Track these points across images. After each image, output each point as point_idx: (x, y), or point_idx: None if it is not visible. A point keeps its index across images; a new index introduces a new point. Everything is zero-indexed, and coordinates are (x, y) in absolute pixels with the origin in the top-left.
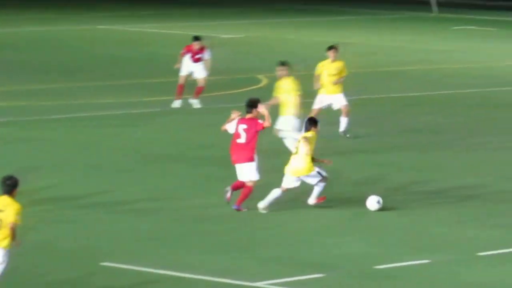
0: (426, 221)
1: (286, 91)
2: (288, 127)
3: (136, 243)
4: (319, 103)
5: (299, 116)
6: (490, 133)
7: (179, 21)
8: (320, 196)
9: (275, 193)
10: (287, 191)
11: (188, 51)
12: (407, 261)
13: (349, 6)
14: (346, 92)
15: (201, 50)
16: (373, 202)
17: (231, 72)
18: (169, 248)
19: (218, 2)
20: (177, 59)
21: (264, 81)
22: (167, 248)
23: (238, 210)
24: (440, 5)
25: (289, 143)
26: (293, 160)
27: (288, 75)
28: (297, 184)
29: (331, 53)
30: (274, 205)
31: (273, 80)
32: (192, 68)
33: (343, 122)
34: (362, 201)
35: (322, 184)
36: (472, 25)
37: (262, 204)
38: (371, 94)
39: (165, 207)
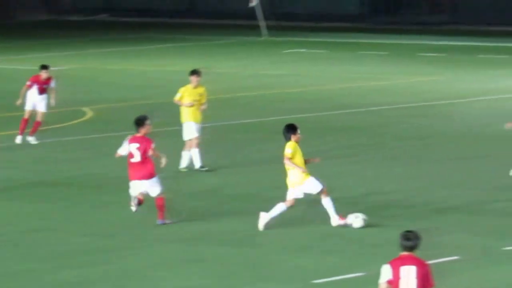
0: (263, 250)
1: None
2: None
3: None
4: (189, 133)
5: None
6: (325, 158)
7: None
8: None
9: (279, 208)
10: (291, 205)
11: (35, 81)
12: None
13: (175, 33)
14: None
15: (48, 80)
16: (359, 219)
17: (56, 105)
18: None
19: (38, 34)
20: (20, 94)
21: (90, 114)
22: None
23: (164, 224)
24: (269, 28)
25: None
26: (288, 173)
27: None
28: (299, 195)
29: (193, 78)
30: (110, 239)
31: (99, 112)
32: (37, 101)
33: (195, 155)
34: (197, 232)
35: (328, 200)
36: (302, 47)
37: (262, 221)
38: (203, 123)
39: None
